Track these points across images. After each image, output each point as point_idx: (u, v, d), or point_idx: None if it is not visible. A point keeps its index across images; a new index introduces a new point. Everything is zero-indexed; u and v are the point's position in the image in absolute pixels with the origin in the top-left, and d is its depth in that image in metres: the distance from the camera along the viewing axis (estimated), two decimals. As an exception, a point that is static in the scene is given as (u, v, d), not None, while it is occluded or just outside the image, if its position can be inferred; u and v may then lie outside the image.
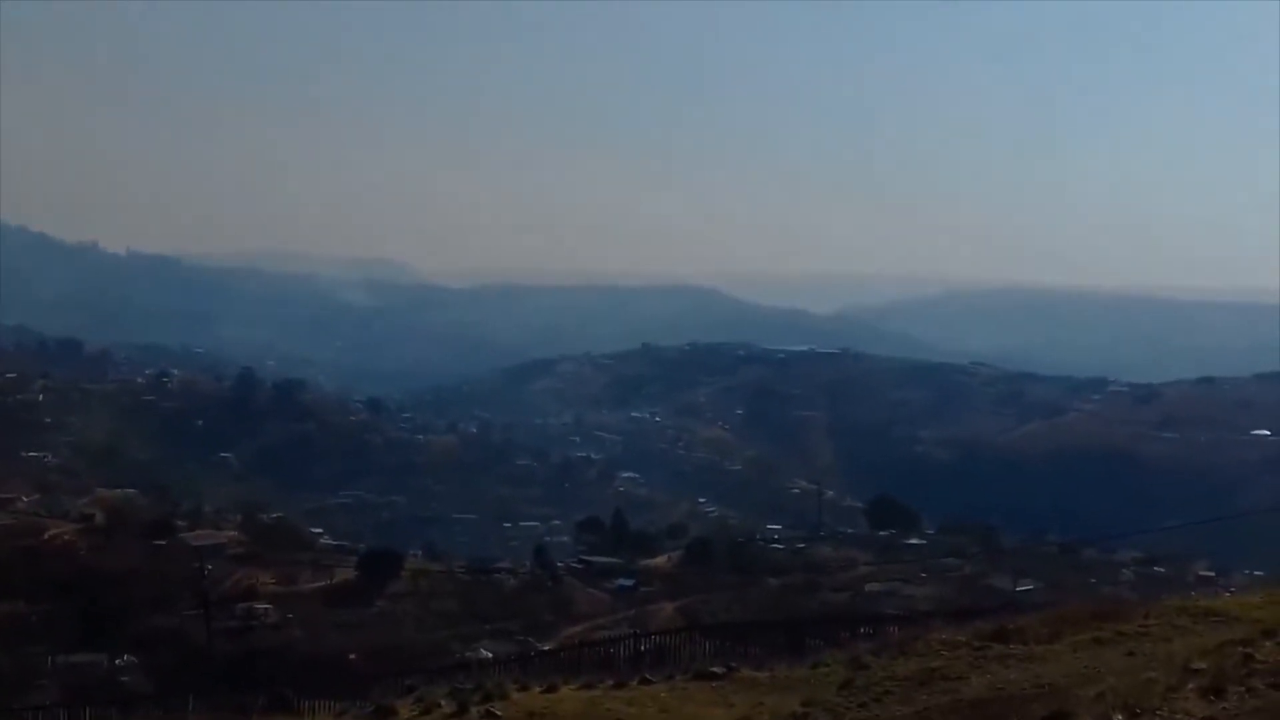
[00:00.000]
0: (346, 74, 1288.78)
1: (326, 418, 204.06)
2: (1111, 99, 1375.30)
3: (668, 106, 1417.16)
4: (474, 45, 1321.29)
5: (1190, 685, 13.22)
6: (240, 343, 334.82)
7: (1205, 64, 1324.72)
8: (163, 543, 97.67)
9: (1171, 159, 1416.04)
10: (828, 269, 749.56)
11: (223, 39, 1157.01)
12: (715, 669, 22.06)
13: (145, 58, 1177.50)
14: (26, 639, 77.82)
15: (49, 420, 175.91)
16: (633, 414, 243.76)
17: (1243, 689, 13.02)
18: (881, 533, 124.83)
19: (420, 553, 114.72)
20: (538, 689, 21.52)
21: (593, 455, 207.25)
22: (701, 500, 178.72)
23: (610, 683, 21.88)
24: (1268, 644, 14.87)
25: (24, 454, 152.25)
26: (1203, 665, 14.01)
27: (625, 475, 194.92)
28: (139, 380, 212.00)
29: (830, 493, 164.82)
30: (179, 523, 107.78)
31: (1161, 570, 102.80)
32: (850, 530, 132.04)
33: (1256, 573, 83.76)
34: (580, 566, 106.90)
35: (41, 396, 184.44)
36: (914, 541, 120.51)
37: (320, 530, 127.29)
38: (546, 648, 59.84)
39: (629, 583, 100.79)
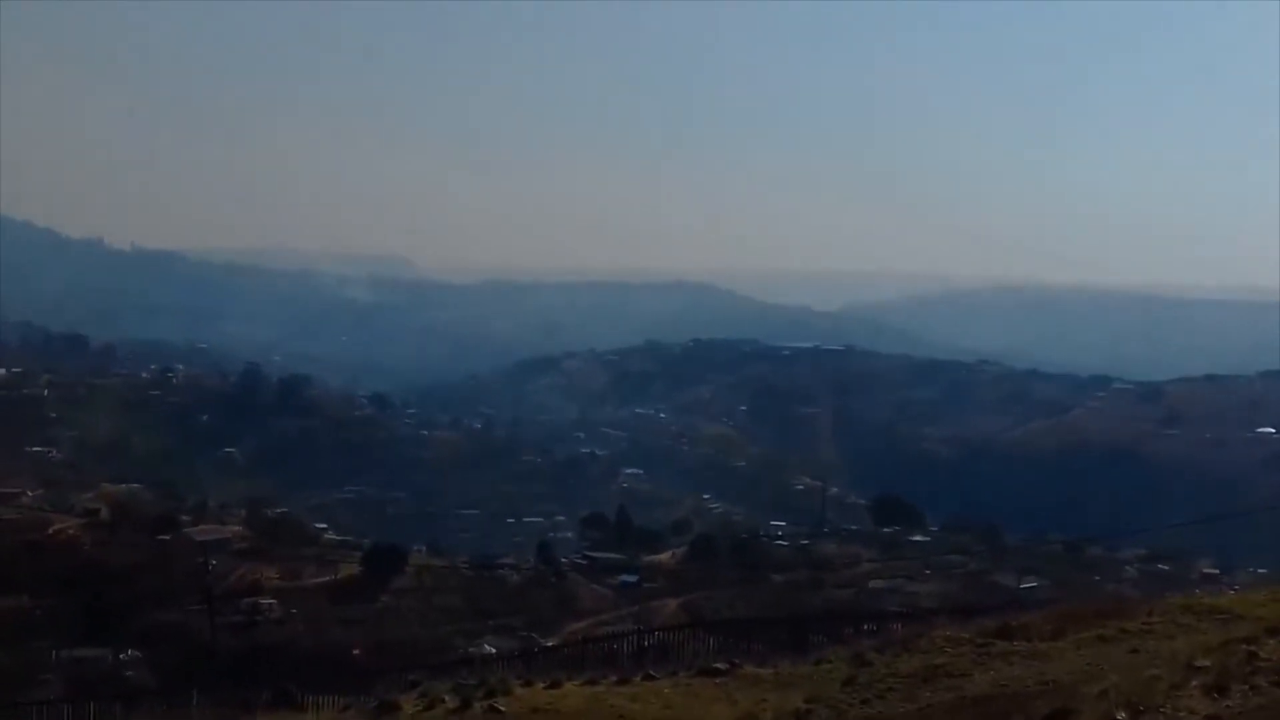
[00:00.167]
0: (350, 71, 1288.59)
1: (331, 413, 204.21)
2: (1115, 97, 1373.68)
3: (671, 103, 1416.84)
4: (476, 43, 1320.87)
5: (1194, 683, 13.22)
6: (244, 338, 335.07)
7: (1207, 62, 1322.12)
8: (167, 538, 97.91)
9: (1175, 156, 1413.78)
10: (832, 266, 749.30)
11: (227, 36, 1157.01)
12: (719, 665, 22.10)
13: (149, 54, 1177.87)
14: (31, 634, 78.11)
15: (54, 415, 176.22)
16: (637, 410, 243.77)
17: (1246, 687, 13.01)
18: (885, 530, 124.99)
19: (424, 548, 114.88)
20: (541, 685, 21.57)
21: (597, 451, 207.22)
22: (705, 497, 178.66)
23: (614, 679, 21.92)
24: (1272, 642, 14.85)
25: (29, 449, 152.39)
26: (1207, 663, 14.00)
27: (629, 471, 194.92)
28: (143, 376, 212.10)
29: (834, 489, 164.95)
30: (183, 518, 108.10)
31: (1165, 568, 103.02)
32: (854, 527, 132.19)
33: (1260, 570, 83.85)
34: (584, 562, 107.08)
35: (46, 392, 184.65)
36: (918, 538, 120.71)
37: (324, 526, 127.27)
38: (550, 644, 59.87)
39: (633, 579, 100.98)
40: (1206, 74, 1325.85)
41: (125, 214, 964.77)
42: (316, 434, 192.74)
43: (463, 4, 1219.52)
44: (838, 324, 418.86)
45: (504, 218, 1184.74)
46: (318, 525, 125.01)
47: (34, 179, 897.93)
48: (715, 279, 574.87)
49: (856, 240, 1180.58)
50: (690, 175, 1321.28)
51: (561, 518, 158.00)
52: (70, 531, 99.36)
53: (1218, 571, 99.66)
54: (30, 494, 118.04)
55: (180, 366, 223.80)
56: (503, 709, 19.67)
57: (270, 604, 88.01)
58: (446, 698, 20.77)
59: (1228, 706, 12.57)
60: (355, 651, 74.72)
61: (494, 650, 59.45)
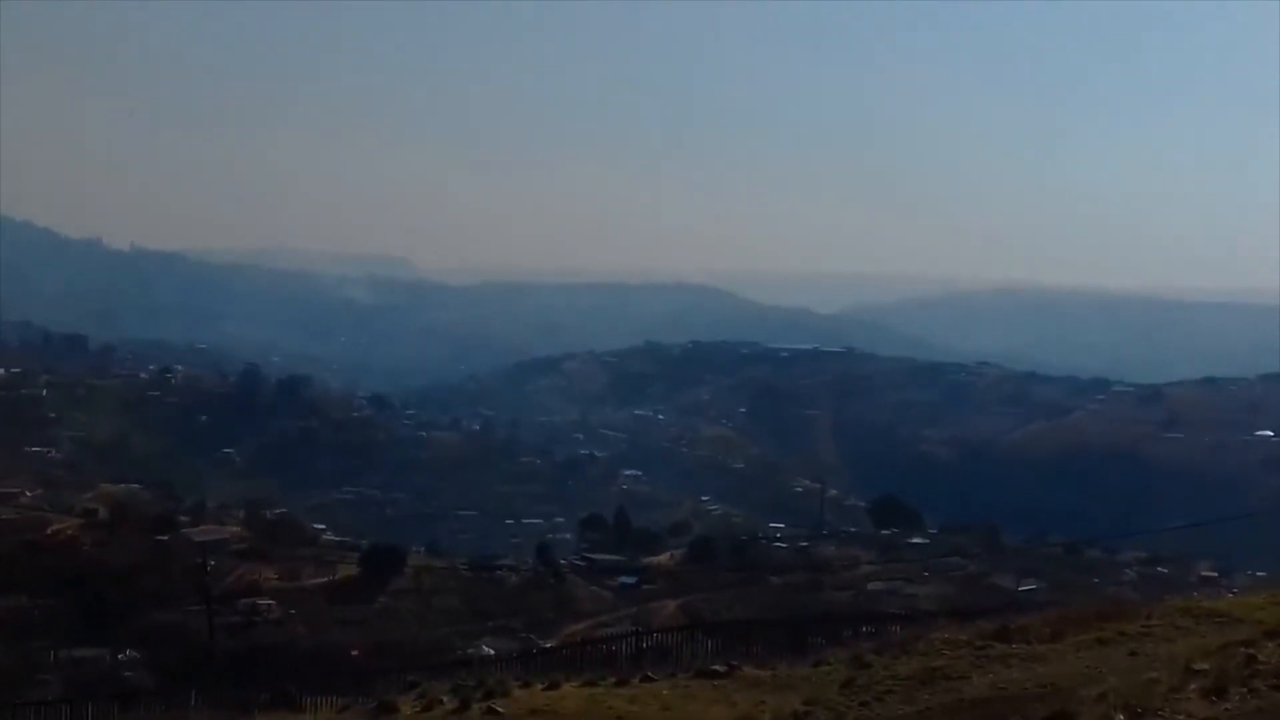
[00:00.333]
0: (350, 71, 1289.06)
1: (330, 414, 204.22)
2: (1115, 99, 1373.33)
3: (671, 104, 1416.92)
4: (476, 44, 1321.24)
5: (1192, 686, 13.23)
6: (243, 339, 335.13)
7: (1207, 63, 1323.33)
8: (166, 538, 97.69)
9: (1175, 159, 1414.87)
10: (832, 268, 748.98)
11: (227, 36, 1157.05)
12: (717, 667, 22.09)
13: (149, 55, 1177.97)
14: (29, 633, 78.10)
15: (53, 415, 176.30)
16: (636, 412, 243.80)
17: (1245, 690, 13.02)
18: (884, 532, 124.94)
19: (423, 549, 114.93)
20: (540, 686, 21.56)
21: (596, 453, 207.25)
22: (704, 498, 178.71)
23: (612, 680, 21.90)
24: (1270, 645, 14.87)
25: (28, 449, 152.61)
26: (1205, 666, 14.02)
27: (628, 473, 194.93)
28: (143, 376, 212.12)
29: (833, 491, 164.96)
30: (182, 518, 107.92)
31: (1164, 570, 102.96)
32: (853, 529, 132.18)
33: (1259, 574, 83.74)
34: (583, 564, 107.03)
35: (45, 392, 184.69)
36: (917, 541, 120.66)
37: (323, 526, 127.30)
38: (548, 645, 59.90)
39: (631, 580, 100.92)
40: (1206, 75, 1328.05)
41: (125, 214, 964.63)
42: (316, 434, 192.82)
43: (463, 4, 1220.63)
44: (837, 326, 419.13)
45: (504, 218, 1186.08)
46: (316, 526, 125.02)
47: (33, 179, 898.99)
48: (715, 280, 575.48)
49: (856, 242, 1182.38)
50: (690, 176, 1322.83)
51: (560, 519, 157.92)
52: (69, 532, 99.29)
53: (1217, 574, 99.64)
54: (29, 494, 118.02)
55: (179, 367, 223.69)
56: (501, 710, 19.65)
57: (269, 605, 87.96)
58: (445, 699, 20.76)
59: (1226, 709, 12.58)
60: (354, 652, 74.66)
61: (492, 651, 59.41)
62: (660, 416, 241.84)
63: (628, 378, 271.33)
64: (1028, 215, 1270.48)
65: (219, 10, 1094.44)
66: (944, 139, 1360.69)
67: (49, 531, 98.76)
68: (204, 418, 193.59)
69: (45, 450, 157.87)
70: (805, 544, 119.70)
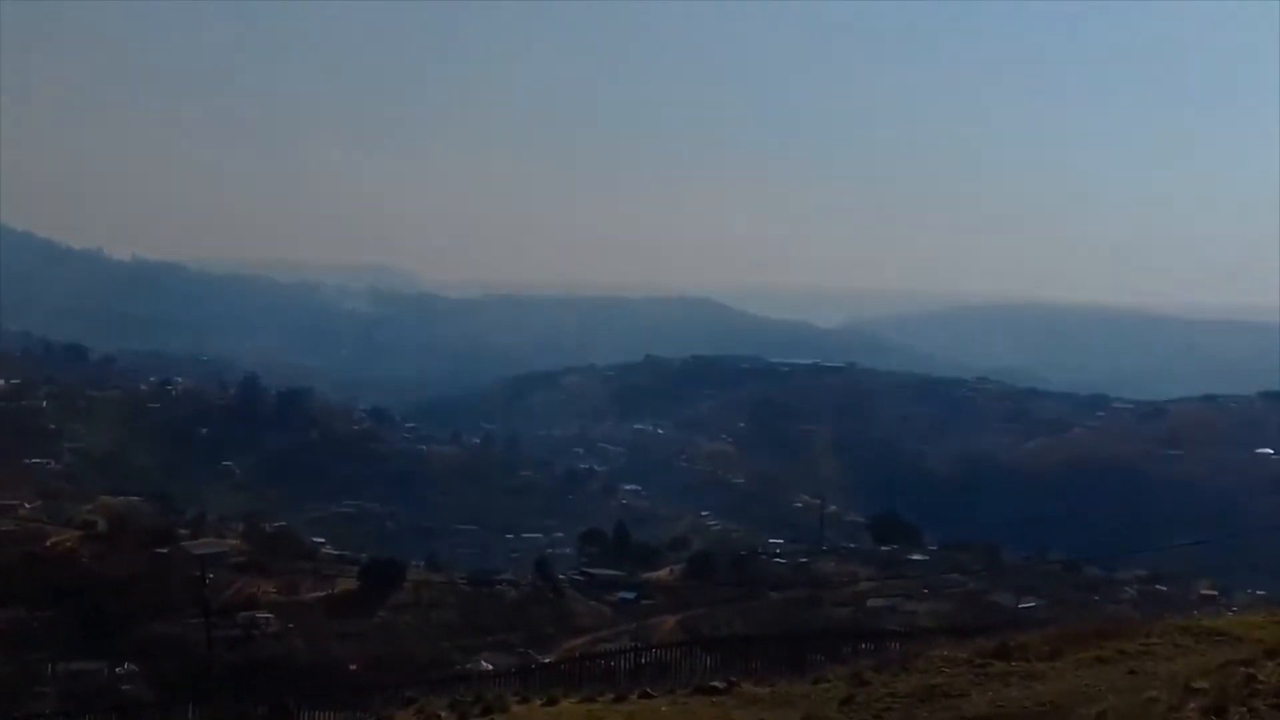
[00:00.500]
0: (353, 84, 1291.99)
1: (330, 427, 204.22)
2: (1118, 115, 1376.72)
3: (671, 117, 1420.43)
4: (478, 54, 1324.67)
5: (1192, 705, 13.22)
6: (244, 350, 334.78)
7: (1213, 82, 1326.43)
8: (165, 551, 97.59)
9: (1177, 177, 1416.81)
10: (832, 282, 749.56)
11: (230, 48, 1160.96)
12: (716, 683, 22.02)
13: (151, 65, 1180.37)
14: (27, 646, 77.93)
15: (53, 427, 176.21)
16: (636, 426, 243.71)
17: (1244, 709, 13.00)
18: (884, 548, 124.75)
19: (422, 563, 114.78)
20: (538, 701, 21.52)
21: (595, 467, 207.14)
22: (704, 513, 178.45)
23: (611, 696, 21.85)
24: (1270, 664, 14.84)
25: (27, 460, 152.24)
26: (1204, 685, 14.00)
27: (628, 488, 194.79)
28: (142, 387, 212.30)
29: (833, 507, 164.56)
30: (181, 531, 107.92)
31: (1164, 589, 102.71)
32: (853, 545, 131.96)
33: (1259, 592, 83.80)
34: (582, 579, 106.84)
35: (45, 403, 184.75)
36: (916, 557, 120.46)
37: (322, 540, 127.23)
38: (547, 660, 59.82)
39: (631, 595, 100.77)
40: (1209, 94, 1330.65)
41: (126, 224, 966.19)
42: (315, 447, 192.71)
43: (467, 18, 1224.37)
44: (839, 340, 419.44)
45: (505, 231, 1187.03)
46: (315, 539, 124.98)
47: (35, 189, 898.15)
48: (716, 294, 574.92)
49: (858, 257, 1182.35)
50: (692, 189, 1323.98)
51: (560, 534, 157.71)
52: (68, 544, 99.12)
53: (1216, 593, 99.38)
54: (28, 506, 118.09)
55: (179, 378, 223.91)
56: (499, 726, 19.63)
57: (267, 618, 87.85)
58: (443, 714, 20.74)
59: (1225, 729, 12.56)
60: (352, 666, 74.60)
61: (491, 666, 59.39)
62: (660, 431, 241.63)
63: (628, 392, 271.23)
64: (1028, 232, 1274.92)
65: (222, 21, 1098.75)
66: (945, 154, 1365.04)
67: (48, 543, 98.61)
68: (204, 430, 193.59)
69: (45, 462, 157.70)
70: (805, 560, 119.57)
